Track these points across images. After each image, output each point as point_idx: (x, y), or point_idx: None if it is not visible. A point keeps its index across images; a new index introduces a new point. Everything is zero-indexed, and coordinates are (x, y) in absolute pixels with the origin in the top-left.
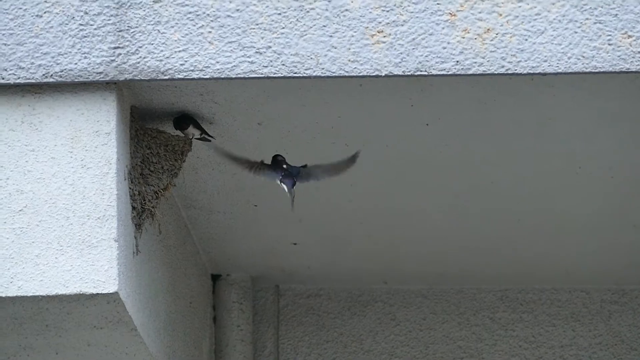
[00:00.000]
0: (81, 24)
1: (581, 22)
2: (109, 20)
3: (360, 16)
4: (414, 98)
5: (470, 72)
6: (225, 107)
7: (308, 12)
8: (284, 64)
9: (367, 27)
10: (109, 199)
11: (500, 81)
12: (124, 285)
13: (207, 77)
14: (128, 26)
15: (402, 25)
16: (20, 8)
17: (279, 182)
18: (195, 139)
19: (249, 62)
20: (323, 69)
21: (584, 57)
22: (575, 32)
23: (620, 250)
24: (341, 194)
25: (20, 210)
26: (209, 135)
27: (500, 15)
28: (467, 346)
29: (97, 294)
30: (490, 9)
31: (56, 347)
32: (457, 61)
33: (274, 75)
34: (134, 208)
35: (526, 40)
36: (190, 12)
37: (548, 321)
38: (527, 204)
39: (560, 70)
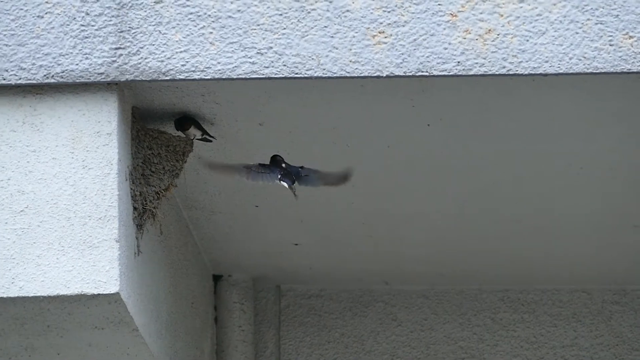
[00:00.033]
0: (82, 25)
1: (582, 23)
2: (110, 21)
3: (362, 17)
4: (415, 99)
5: (471, 72)
6: (227, 108)
7: (309, 12)
8: (285, 65)
9: (369, 28)
10: (110, 200)
11: (502, 82)
12: (125, 285)
13: (208, 77)
14: (129, 27)
15: (404, 25)
16: (22, 9)
17: (278, 180)
18: (197, 139)
19: (250, 62)
20: (324, 69)
21: (585, 57)
22: (577, 33)
23: (621, 250)
24: (342, 194)
25: (21, 211)
26: (210, 136)
27: (502, 16)
28: (469, 347)
29: (99, 294)
30: (491, 9)
31: (57, 347)
32: (459, 62)
33: (275, 76)
34: (135, 209)
35: (527, 40)
36: (191, 13)
37: (549, 321)
38: (529, 204)
39: (561, 71)
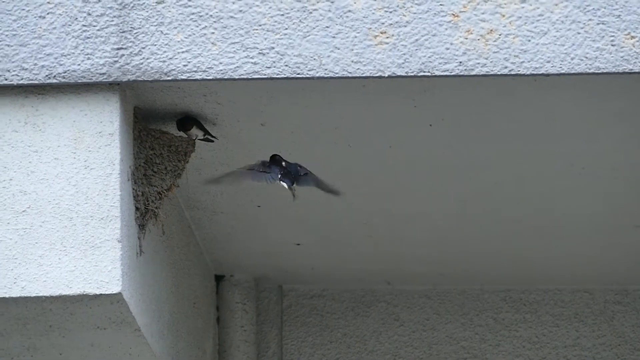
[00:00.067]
0: (84, 25)
1: (584, 23)
2: (112, 21)
3: (363, 17)
4: (417, 99)
5: (473, 73)
6: (229, 108)
7: (311, 13)
8: (287, 65)
9: (370, 28)
10: (112, 200)
11: (503, 82)
12: (127, 285)
13: (210, 78)
14: (131, 27)
15: (405, 26)
16: (23, 9)
17: (278, 180)
18: (199, 140)
19: (252, 63)
20: (326, 69)
21: (587, 57)
22: (578, 33)
23: (623, 250)
24: (345, 194)
25: (23, 211)
26: (212, 136)
27: (503, 16)
28: (471, 346)
29: (101, 294)
30: (493, 10)
31: (60, 347)
32: (460, 62)
33: (277, 76)
34: (137, 209)
35: (529, 41)
36: (193, 13)
37: (551, 321)
38: (531, 205)
39: (563, 71)
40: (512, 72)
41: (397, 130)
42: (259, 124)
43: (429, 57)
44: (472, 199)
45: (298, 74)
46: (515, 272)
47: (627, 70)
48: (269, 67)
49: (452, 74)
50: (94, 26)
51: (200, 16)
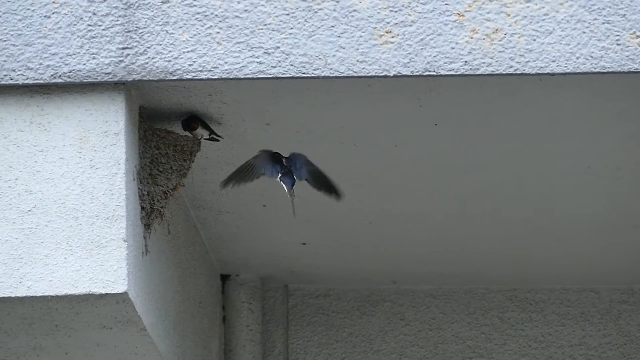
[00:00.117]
0: (89, 25)
1: (589, 22)
2: (117, 21)
3: (369, 16)
4: (422, 98)
5: (478, 72)
6: (234, 108)
7: (316, 12)
8: (292, 65)
9: (376, 28)
10: (117, 199)
11: (509, 81)
12: (133, 285)
13: (215, 77)
14: (136, 27)
15: (411, 25)
16: (29, 9)
17: (278, 180)
18: (204, 139)
19: (257, 62)
20: (331, 69)
21: (592, 57)
22: (584, 32)
23: (629, 249)
24: (350, 194)
25: (29, 211)
26: (218, 136)
27: (509, 15)
28: (477, 346)
29: (107, 294)
30: (498, 9)
31: (65, 347)
32: (466, 61)
33: (283, 76)
34: (142, 208)
35: (534, 40)
36: (198, 13)
37: (557, 321)
38: (537, 204)
39: (568, 71)
40: (518, 72)
41: (403, 129)
42: (264, 123)
43: (434, 56)
44: (478, 199)
45: (303, 73)
46: (521, 271)
47: (632, 70)
48: (274, 67)
49: (457, 73)
50: (99, 26)
51: (206, 16)
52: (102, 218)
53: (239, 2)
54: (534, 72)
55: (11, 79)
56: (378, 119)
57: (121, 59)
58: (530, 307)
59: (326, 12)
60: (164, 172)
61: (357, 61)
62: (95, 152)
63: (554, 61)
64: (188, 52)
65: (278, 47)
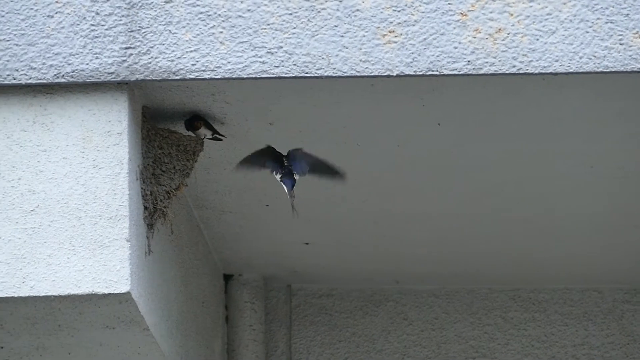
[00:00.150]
0: (92, 25)
1: (592, 22)
2: (120, 20)
3: (372, 16)
4: (425, 98)
5: (481, 72)
6: (237, 107)
7: (319, 12)
8: (295, 64)
9: (379, 27)
10: (120, 199)
11: (512, 81)
12: (136, 285)
13: (218, 77)
14: (139, 26)
15: (414, 25)
16: (32, 8)
17: (279, 180)
18: (207, 139)
19: (260, 62)
20: (334, 69)
21: (595, 56)
22: (587, 32)
23: (632, 249)
24: (353, 193)
25: (32, 211)
26: (221, 135)
27: (512, 15)
28: (480, 345)
29: (109, 294)
30: (501, 8)
31: (68, 347)
32: (469, 61)
33: (286, 75)
34: (145, 208)
35: (537, 40)
36: (201, 13)
37: (560, 320)
38: (540, 204)
39: (571, 70)
40: (521, 71)
41: (406, 129)
42: (267, 123)
43: (437, 56)
44: (480, 199)
45: (306, 73)
46: (524, 271)
47: (635, 69)
48: (277, 66)
49: (460, 73)
50: (102, 25)
51: (209, 15)
52: (105, 218)
53: (242, 2)
54: (537, 71)
55: (14, 79)
56: (381, 119)
57: (124, 58)
58: (533, 306)
59: (329, 11)
60: (167, 171)
61: (360, 61)
62: (98, 152)
63: (557, 61)
64: (191, 51)
65: (281, 47)
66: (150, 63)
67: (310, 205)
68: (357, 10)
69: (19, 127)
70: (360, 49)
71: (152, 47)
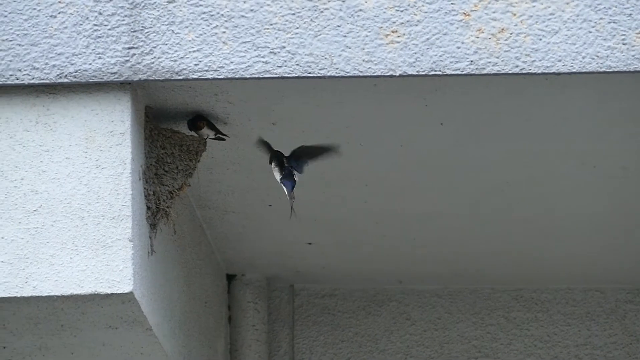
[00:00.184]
0: (95, 25)
1: (595, 22)
2: (123, 20)
3: (374, 16)
4: (428, 98)
5: (484, 71)
6: (240, 107)
7: (322, 12)
8: (298, 64)
9: (381, 27)
10: (123, 199)
11: (515, 81)
12: (138, 285)
13: (221, 77)
14: (142, 26)
15: (416, 25)
16: (35, 9)
17: (279, 180)
18: (210, 139)
19: (263, 62)
20: (337, 68)
21: (598, 56)
22: (590, 32)
23: (635, 249)
24: (356, 193)
25: (34, 211)
26: (224, 135)
27: (515, 15)
28: (482, 345)
29: (112, 294)
30: (504, 8)
31: (71, 347)
32: (472, 61)
33: (288, 75)
34: (148, 208)
35: (540, 40)
36: (204, 13)
37: (563, 320)
38: (542, 204)
39: (574, 70)
40: (523, 71)
41: (409, 129)
42: (270, 123)
43: (440, 56)
44: (483, 198)
45: (309, 73)
46: (526, 271)
47: (638, 69)
48: (280, 67)
49: (463, 73)
50: (105, 25)
51: (212, 15)
52: (108, 218)
53: (244, 2)
54: (539, 71)
55: (17, 79)
56: (384, 119)
57: (127, 58)
58: (535, 306)
59: (332, 11)
60: (170, 171)
61: (363, 61)
62: (101, 152)
63: (559, 61)
64: (194, 51)
65: (284, 47)
66: (153, 63)
67: (312, 206)
68: (360, 10)
69: (22, 127)
70: (363, 49)
71: (155, 47)
